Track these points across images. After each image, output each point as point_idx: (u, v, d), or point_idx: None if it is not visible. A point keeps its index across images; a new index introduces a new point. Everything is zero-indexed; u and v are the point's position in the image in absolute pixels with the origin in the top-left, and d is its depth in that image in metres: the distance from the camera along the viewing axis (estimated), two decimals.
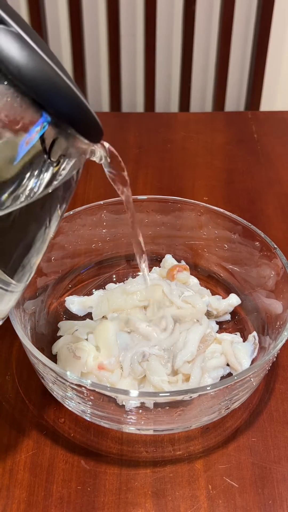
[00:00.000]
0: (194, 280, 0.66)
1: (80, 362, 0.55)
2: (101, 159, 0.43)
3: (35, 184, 0.35)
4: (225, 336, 0.60)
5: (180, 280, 0.63)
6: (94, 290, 0.66)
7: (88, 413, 0.52)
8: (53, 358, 0.58)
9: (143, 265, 0.55)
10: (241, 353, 0.58)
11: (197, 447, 0.54)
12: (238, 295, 0.64)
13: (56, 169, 0.36)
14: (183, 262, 0.67)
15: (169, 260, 0.67)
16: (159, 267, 0.67)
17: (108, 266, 0.69)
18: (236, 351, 0.58)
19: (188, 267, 0.65)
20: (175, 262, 0.67)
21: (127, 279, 0.66)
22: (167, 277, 0.64)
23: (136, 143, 0.96)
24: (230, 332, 0.62)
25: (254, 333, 0.59)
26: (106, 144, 0.43)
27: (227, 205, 0.81)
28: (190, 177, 0.89)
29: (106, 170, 0.46)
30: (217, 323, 0.63)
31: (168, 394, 0.49)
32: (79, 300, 0.64)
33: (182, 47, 1.36)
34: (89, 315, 0.63)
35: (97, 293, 0.65)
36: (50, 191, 0.36)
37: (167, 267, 0.66)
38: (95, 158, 0.43)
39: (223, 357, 0.58)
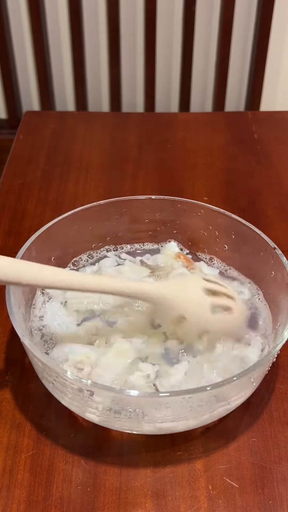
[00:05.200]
0: (204, 267, 0.66)
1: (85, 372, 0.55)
2: None
3: None
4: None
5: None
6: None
7: (88, 413, 0.52)
8: None
9: None
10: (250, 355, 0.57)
11: (197, 447, 0.54)
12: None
13: None
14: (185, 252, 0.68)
15: (173, 247, 0.68)
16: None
17: (107, 265, 0.69)
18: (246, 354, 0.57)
19: (191, 260, 0.66)
20: (178, 250, 0.68)
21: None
22: (176, 259, 0.66)
23: (136, 143, 0.96)
24: None
25: (258, 337, 0.58)
26: None
27: (227, 205, 0.81)
28: (190, 177, 0.89)
29: None
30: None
31: (168, 394, 0.49)
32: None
33: (182, 47, 1.36)
34: None
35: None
36: None
37: (169, 254, 0.66)
38: None
39: (236, 361, 0.56)
